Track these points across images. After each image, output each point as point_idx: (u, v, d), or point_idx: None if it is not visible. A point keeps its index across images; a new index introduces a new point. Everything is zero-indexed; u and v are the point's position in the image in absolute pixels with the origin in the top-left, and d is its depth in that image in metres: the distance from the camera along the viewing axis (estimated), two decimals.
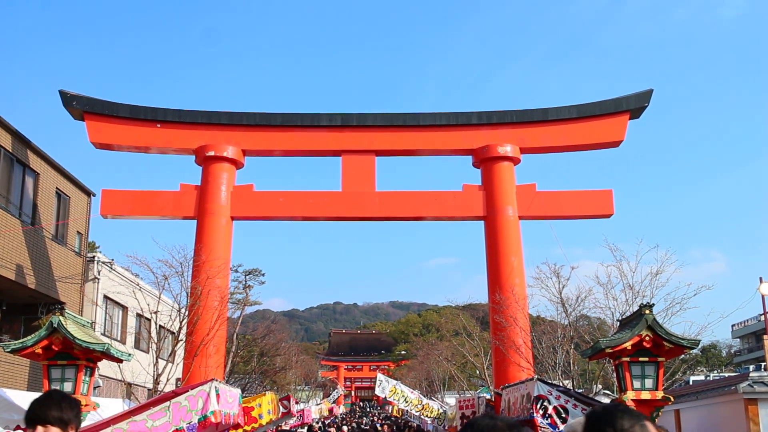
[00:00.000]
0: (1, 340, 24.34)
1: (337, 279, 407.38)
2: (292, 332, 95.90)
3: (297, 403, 33.03)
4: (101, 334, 28.69)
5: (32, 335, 13.07)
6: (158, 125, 26.73)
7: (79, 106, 26.33)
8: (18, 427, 15.40)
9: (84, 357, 13.10)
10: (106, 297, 31.52)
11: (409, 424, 39.23)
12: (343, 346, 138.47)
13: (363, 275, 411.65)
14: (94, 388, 14.00)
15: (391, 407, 58.47)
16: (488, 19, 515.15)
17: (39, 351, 12.93)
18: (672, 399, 13.80)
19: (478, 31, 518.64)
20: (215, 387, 14.05)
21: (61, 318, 12.86)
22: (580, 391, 20.38)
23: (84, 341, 12.80)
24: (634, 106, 26.48)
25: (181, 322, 23.10)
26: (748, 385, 17.14)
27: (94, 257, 30.98)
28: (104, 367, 23.60)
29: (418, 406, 33.76)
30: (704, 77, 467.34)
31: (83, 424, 13.33)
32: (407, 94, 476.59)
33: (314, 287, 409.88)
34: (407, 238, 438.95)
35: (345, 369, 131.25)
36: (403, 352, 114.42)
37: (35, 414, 4.26)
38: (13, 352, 13.22)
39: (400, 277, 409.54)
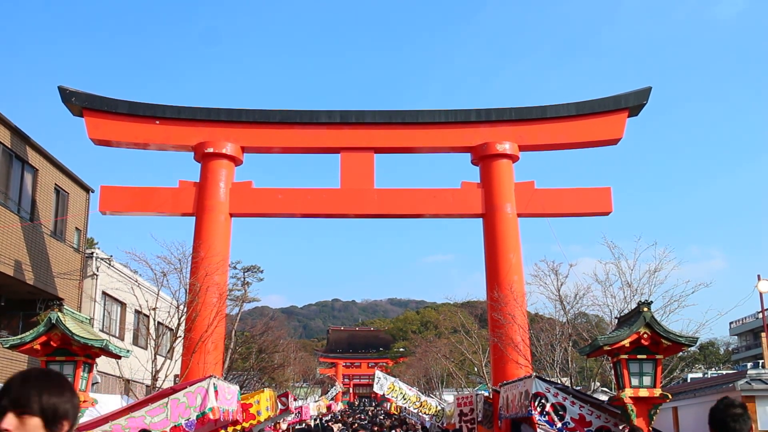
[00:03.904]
0: (0, 336, 24.35)
1: (336, 276, 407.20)
2: (291, 329, 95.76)
3: (295, 400, 33.07)
4: (99, 330, 28.66)
5: (31, 331, 13.09)
6: (157, 122, 26.70)
7: (78, 102, 26.30)
8: None
9: (82, 353, 13.11)
10: (104, 293, 31.49)
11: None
12: (342, 343, 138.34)
13: (361, 272, 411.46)
14: (92, 384, 13.99)
15: (389, 404, 58.52)
16: (491, 19, 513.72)
17: (37, 347, 12.95)
18: (670, 396, 13.83)
19: (481, 30, 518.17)
20: (214, 384, 14.07)
21: (59, 314, 12.87)
22: (578, 388, 20.39)
23: (82, 337, 12.81)
24: (633, 103, 26.45)
25: (179, 319, 23.10)
26: (746, 382, 17.18)
27: (92, 253, 30.95)
28: (102, 363, 23.59)
29: (416, 403, 33.84)
30: (703, 76, 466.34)
31: (81, 420, 13.33)
32: (409, 93, 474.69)
33: (312, 284, 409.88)
34: (405, 235, 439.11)
35: (343, 366, 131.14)
36: (401, 350, 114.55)
37: (11, 395, 2.73)
38: (12, 348, 13.23)
39: (399, 274, 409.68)
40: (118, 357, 14.33)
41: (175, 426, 13.39)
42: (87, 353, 13.23)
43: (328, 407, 59.14)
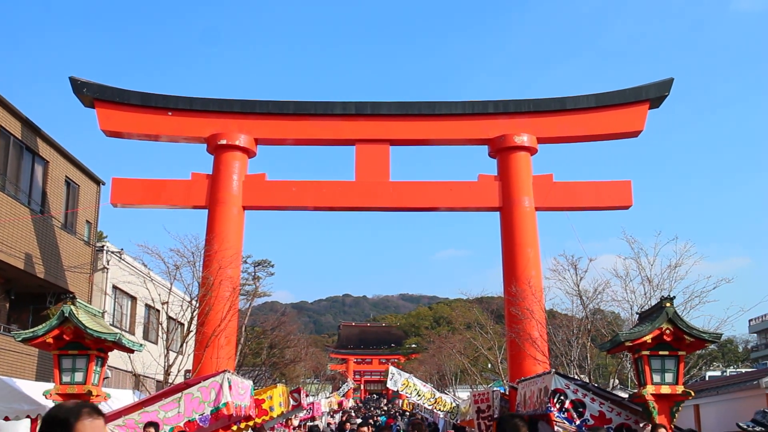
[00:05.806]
0: (10, 329, 24.16)
1: (346, 271, 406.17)
2: (301, 325, 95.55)
3: (307, 396, 32.82)
4: (110, 324, 28.46)
5: (43, 324, 12.87)
6: (169, 113, 26.50)
7: (90, 93, 26.10)
8: (28, 417, 15.18)
9: (95, 347, 12.88)
10: (115, 287, 31.29)
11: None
12: (353, 339, 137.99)
13: (372, 267, 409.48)
14: (104, 378, 13.74)
15: (401, 401, 58.22)
16: (515, 14, 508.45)
17: (50, 340, 12.72)
18: (692, 394, 13.48)
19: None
20: (228, 378, 13.80)
21: (72, 307, 12.64)
22: (597, 385, 20.04)
23: (96, 331, 12.57)
24: (654, 95, 26.08)
25: (192, 313, 22.85)
26: None
27: (103, 247, 30.76)
28: (113, 358, 23.38)
29: (431, 399, 33.50)
30: (733, 68, 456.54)
31: None
32: (427, 86, 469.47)
33: (323, 279, 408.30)
34: (417, 230, 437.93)
35: (354, 362, 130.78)
36: (413, 346, 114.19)
37: None
38: (24, 341, 13.00)
39: (410, 269, 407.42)
40: (131, 351, 14.06)
41: (189, 421, 13.15)
42: (100, 347, 12.98)
43: (340, 404, 58.93)
